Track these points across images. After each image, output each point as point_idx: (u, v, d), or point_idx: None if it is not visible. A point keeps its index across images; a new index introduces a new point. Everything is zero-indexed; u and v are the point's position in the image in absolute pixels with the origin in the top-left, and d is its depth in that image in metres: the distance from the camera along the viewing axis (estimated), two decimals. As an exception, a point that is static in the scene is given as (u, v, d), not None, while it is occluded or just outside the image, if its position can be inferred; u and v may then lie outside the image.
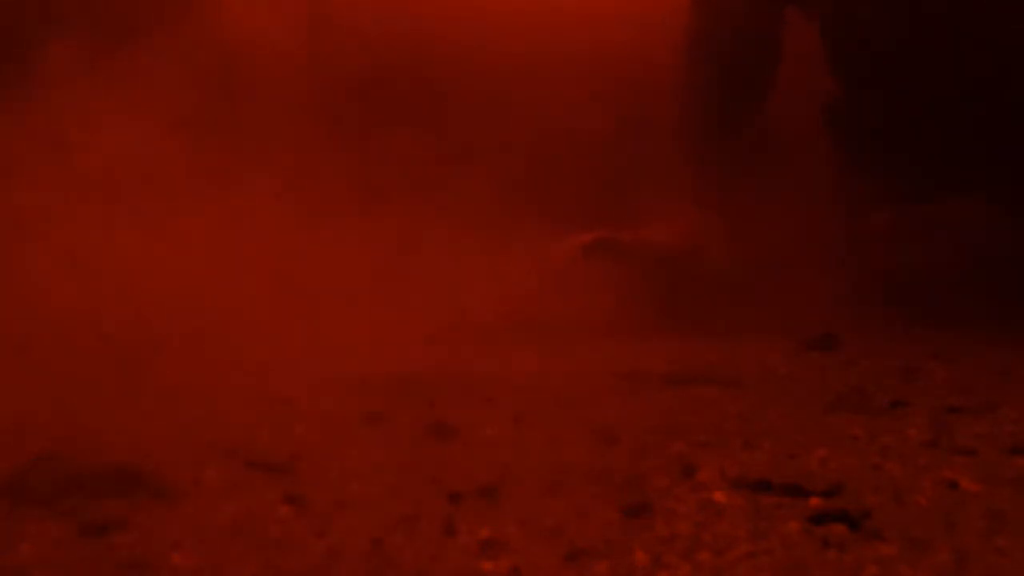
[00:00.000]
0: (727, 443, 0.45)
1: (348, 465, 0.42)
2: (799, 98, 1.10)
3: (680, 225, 0.94)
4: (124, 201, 0.93)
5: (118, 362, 0.75)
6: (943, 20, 0.82)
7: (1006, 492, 0.37)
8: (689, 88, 1.13)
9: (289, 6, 1.08)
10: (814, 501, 0.36)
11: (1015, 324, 0.73)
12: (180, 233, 0.92)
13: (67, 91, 0.98)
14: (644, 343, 0.78)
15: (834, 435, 0.46)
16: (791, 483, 0.38)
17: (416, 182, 1.06)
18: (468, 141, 1.12)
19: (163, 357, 0.77)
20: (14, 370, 0.71)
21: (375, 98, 1.14)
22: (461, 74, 1.14)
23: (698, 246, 0.93)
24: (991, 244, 0.79)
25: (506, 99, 1.15)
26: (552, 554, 0.32)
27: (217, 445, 0.45)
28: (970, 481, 0.38)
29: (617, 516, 0.35)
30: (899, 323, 0.80)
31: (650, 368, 0.66)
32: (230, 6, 1.06)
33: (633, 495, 0.37)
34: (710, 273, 0.91)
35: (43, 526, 0.35)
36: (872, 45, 0.91)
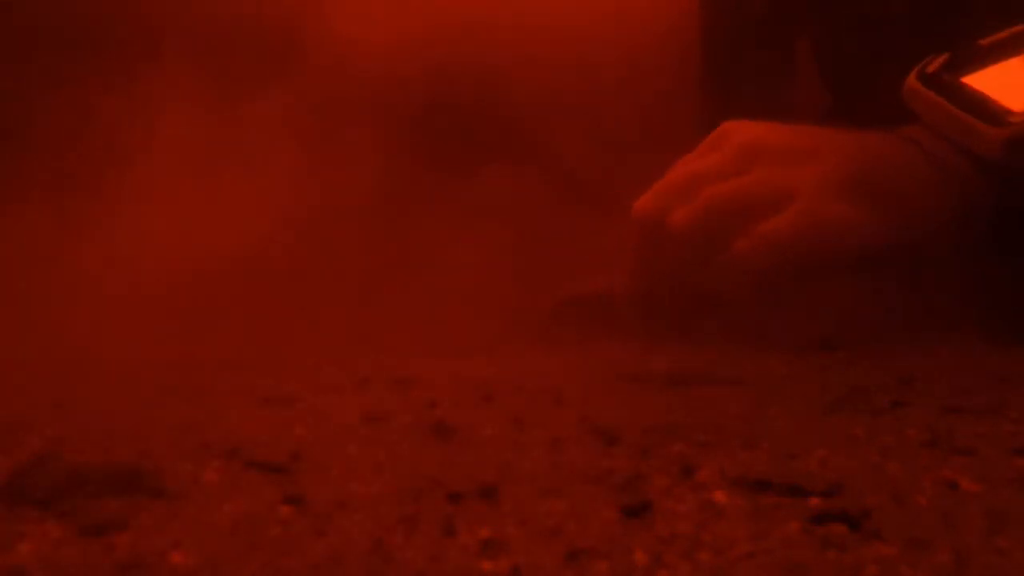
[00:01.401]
0: (727, 443, 0.45)
1: (348, 465, 0.42)
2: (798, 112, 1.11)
3: None
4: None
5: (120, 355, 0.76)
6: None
7: (1006, 492, 0.37)
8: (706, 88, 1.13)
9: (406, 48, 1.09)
10: (814, 501, 0.36)
11: (1016, 325, 0.73)
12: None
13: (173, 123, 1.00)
14: (644, 343, 0.79)
15: (834, 435, 0.46)
16: (791, 483, 0.38)
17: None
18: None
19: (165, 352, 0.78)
20: (14, 368, 0.71)
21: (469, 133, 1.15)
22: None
23: None
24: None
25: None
26: (552, 554, 0.32)
27: (217, 445, 0.45)
28: (970, 481, 0.38)
29: (617, 516, 0.35)
30: (899, 323, 0.80)
31: (650, 368, 0.66)
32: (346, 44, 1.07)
33: (633, 495, 0.37)
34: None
35: (43, 526, 0.34)
36: (864, 60, 0.91)
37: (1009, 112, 0.69)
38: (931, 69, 0.73)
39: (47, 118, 1.01)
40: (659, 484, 0.39)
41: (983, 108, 0.70)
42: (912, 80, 0.73)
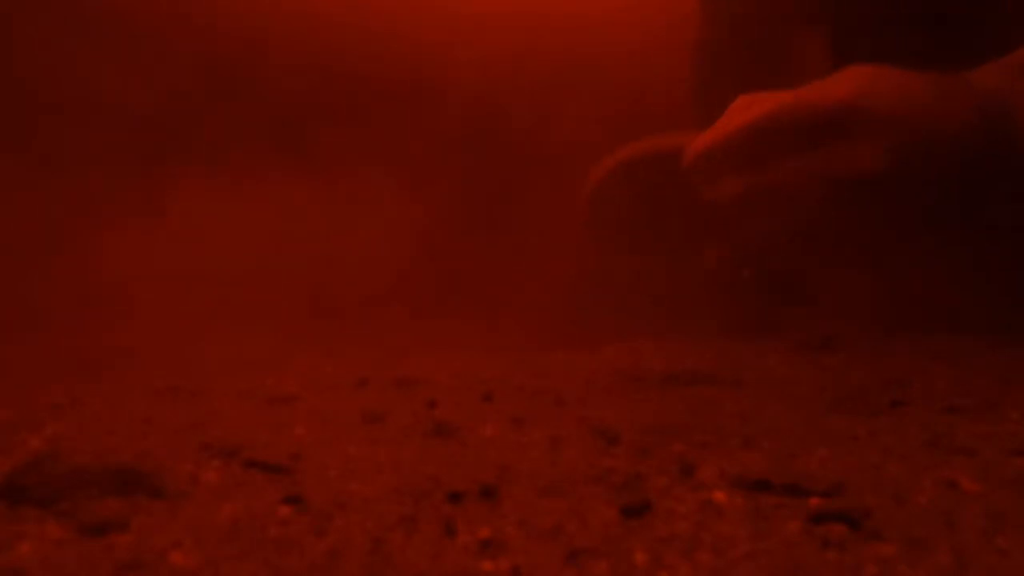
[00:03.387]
0: (727, 443, 0.45)
1: (348, 465, 0.42)
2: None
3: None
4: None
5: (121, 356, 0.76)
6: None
7: (1006, 492, 0.37)
8: (697, 99, 1.13)
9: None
10: (814, 501, 0.36)
11: (1016, 325, 0.73)
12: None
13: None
14: (644, 343, 0.79)
15: (834, 435, 0.46)
16: (791, 483, 0.38)
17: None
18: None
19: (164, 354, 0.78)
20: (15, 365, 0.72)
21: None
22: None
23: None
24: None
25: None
26: (552, 554, 0.32)
27: (217, 445, 0.45)
28: (970, 481, 0.38)
29: (617, 516, 0.35)
30: (899, 324, 0.80)
31: (650, 368, 0.66)
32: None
33: (633, 495, 0.37)
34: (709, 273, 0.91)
35: (43, 526, 0.35)
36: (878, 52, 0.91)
37: None
38: None
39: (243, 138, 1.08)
40: (659, 484, 0.39)
41: None
42: None
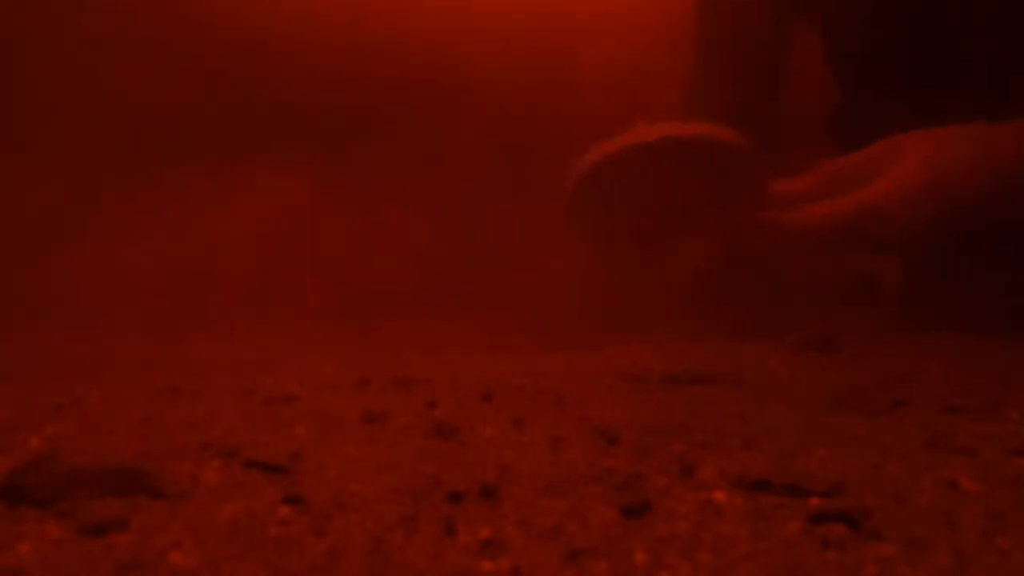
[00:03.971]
0: (727, 443, 0.45)
1: (348, 465, 0.42)
2: (803, 108, 1.11)
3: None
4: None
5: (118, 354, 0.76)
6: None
7: (1006, 492, 0.37)
8: (695, 90, 1.13)
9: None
10: (814, 501, 0.36)
11: (1017, 325, 0.73)
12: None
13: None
14: (644, 343, 0.79)
15: (834, 435, 0.46)
16: (791, 483, 0.38)
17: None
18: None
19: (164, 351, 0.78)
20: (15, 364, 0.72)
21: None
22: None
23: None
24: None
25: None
26: (552, 554, 0.32)
27: (217, 445, 0.45)
28: (970, 481, 0.38)
29: (617, 516, 0.35)
30: (898, 324, 0.80)
31: (650, 368, 0.66)
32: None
33: (633, 495, 0.37)
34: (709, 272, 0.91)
35: (42, 526, 0.35)
36: (873, 53, 0.91)
37: None
38: None
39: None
40: (659, 484, 0.39)
41: None
42: None
